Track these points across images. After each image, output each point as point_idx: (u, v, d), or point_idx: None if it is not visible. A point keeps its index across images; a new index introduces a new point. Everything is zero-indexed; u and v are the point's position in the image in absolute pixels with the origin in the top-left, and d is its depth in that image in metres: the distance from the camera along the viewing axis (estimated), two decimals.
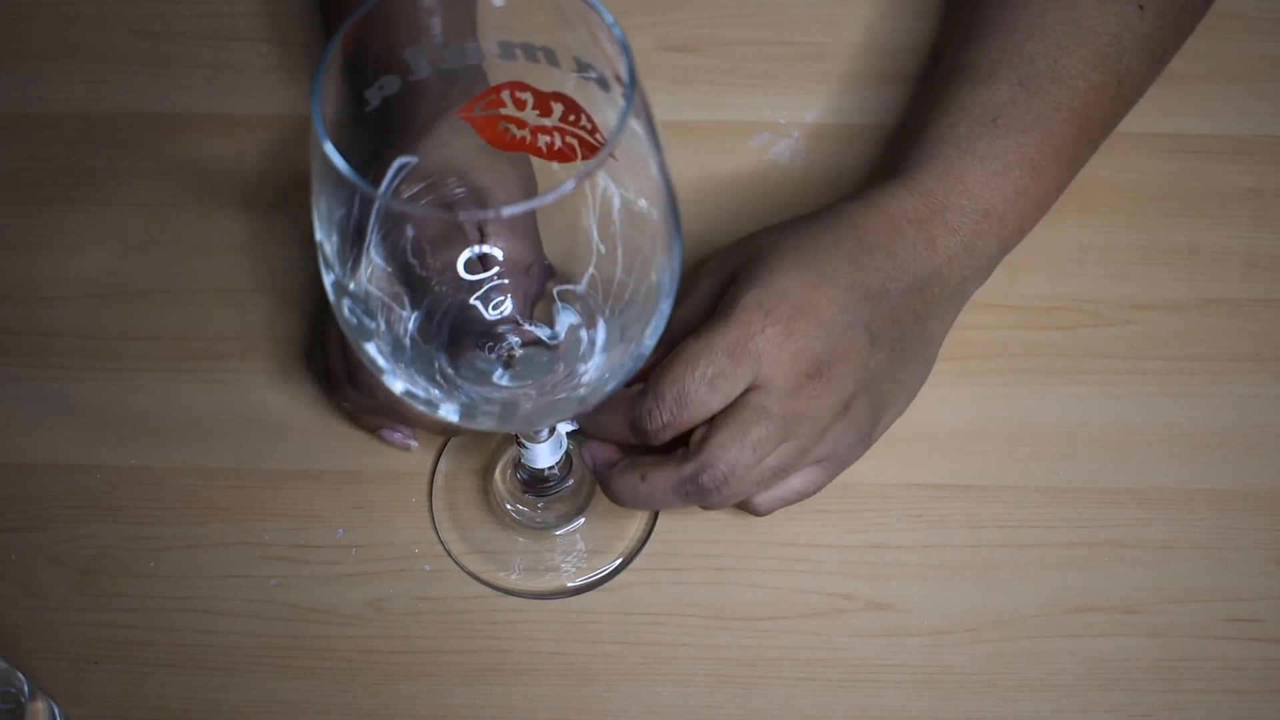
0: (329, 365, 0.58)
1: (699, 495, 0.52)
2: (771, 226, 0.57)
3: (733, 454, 0.51)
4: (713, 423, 0.52)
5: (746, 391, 0.52)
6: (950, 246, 0.56)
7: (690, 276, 0.57)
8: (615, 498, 0.54)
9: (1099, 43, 0.59)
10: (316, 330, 0.61)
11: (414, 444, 0.60)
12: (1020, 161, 0.57)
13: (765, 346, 0.51)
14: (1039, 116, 0.58)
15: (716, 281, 0.55)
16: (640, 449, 0.55)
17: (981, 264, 0.58)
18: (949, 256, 0.56)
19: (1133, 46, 0.59)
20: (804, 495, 0.56)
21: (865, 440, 0.56)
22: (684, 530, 0.59)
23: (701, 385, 0.51)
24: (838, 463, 0.56)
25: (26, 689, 0.52)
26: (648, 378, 0.52)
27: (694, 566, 0.58)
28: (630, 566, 0.58)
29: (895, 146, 0.65)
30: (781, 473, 0.54)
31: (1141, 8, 0.59)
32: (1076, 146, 0.59)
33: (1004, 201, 0.57)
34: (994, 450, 0.60)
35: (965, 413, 0.61)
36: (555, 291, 0.47)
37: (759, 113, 0.68)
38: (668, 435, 0.52)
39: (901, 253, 0.55)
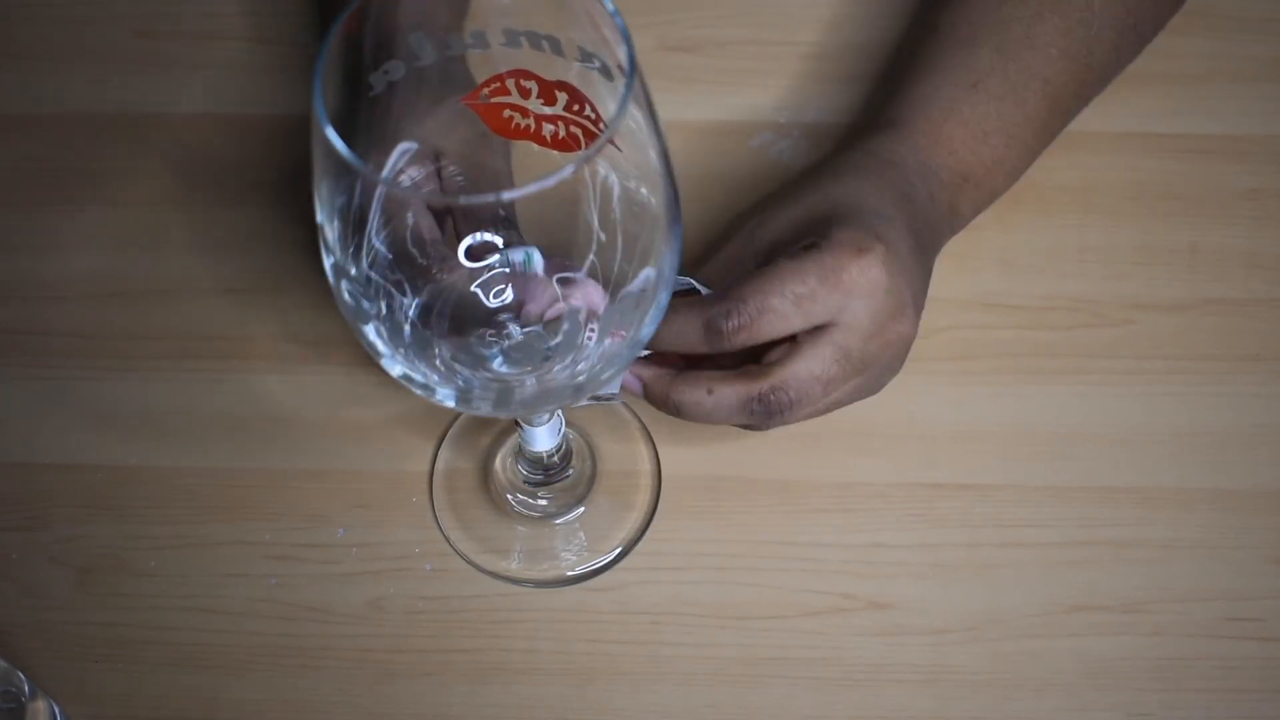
0: None
1: (764, 415, 0.52)
2: (802, 182, 0.58)
3: (805, 385, 0.52)
4: (793, 348, 0.52)
5: (829, 327, 0.52)
6: (942, 203, 0.58)
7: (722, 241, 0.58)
8: (678, 408, 0.54)
9: (1070, 7, 0.60)
10: None
11: None
12: (998, 129, 0.59)
13: (859, 280, 0.51)
14: (1014, 85, 0.59)
15: (767, 242, 0.56)
16: (695, 365, 0.54)
17: (957, 225, 0.60)
18: (941, 212, 0.58)
19: (1101, 12, 0.60)
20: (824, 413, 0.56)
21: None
22: (684, 530, 0.59)
23: (787, 300, 0.51)
24: (874, 391, 0.56)
25: (27, 688, 0.52)
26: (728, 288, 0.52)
27: (694, 566, 0.58)
28: (630, 566, 0.58)
29: (882, 99, 0.64)
30: (835, 405, 0.54)
31: None
32: (1048, 116, 0.61)
33: (981, 168, 0.59)
34: (994, 450, 0.60)
35: (965, 413, 0.61)
36: (555, 279, 0.47)
37: (759, 113, 0.68)
38: (739, 341, 0.51)
39: (918, 199, 0.57)
